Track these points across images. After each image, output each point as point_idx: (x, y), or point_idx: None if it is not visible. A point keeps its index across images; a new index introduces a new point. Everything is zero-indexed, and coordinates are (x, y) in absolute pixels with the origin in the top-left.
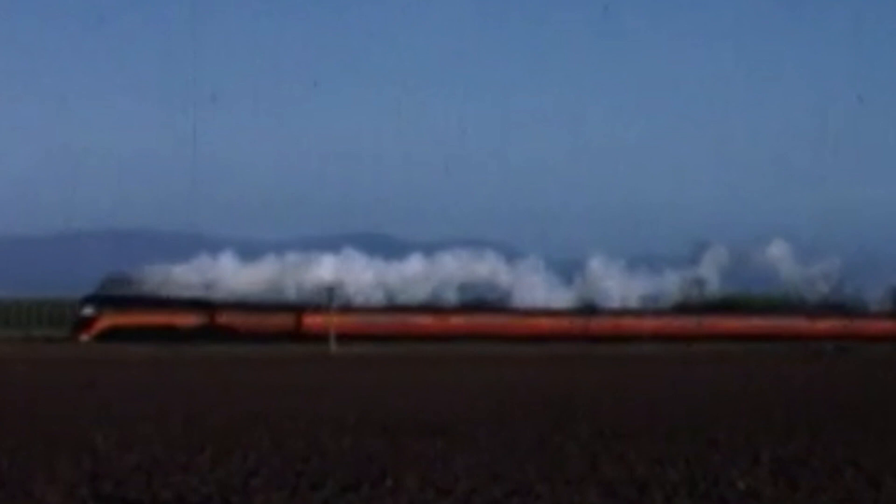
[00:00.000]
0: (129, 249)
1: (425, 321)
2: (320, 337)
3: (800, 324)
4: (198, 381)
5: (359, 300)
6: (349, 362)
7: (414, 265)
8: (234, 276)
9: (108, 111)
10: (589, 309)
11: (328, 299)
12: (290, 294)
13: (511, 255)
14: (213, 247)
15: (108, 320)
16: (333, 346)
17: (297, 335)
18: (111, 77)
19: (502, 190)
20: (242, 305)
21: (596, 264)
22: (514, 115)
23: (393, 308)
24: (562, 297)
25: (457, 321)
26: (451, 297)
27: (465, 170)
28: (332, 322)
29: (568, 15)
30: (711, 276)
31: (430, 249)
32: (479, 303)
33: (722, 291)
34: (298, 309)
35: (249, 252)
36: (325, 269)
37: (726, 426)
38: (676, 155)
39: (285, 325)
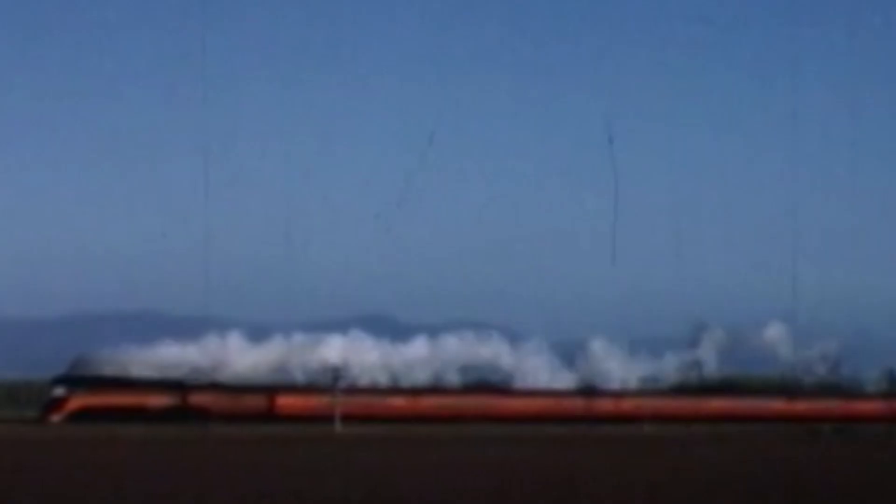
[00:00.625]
0: (136, 331)
1: (397, 402)
2: (293, 418)
3: (775, 405)
4: (204, 461)
5: (364, 382)
6: (354, 442)
7: (418, 347)
8: (241, 357)
9: (116, 192)
10: (589, 390)
11: (333, 380)
12: (298, 375)
13: (514, 337)
14: (222, 328)
15: (78, 401)
16: (338, 427)
17: (271, 416)
18: (119, 154)
19: (504, 273)
20: (215, 386)
21: (597, 346)
22: (515, 202)
23: (365, 389)
24: (563, 379)
25: (428, 402)
26: (453, 378)
27: (469, 254)
28: (338, 404)
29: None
30: (710, 357)
31: (434, 332)
32: (482, 385)
33: (720, 373)
34: (271, 390)
35: (257, 334)
36: (332, 350)
37: None
38: (675, 237)
39: (258, 406)
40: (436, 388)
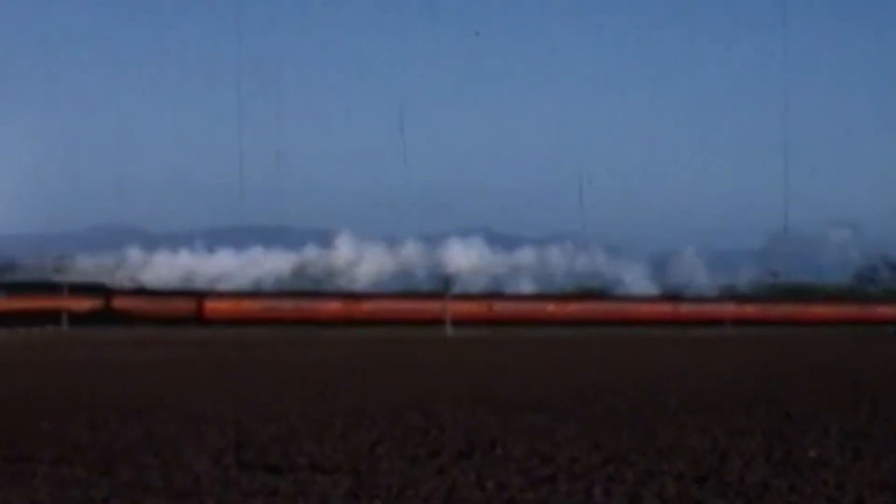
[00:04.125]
0: (268, 242)
1: (333, 306)
2: (222, 322)
3: (841, 310)
4: (326, 361)
5: (475, 288)
6: (463, 344)
7: (523, 256)
8: (360, 262)
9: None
10: (675, 296)
11: (445, 287)
12: (417, 280)
13: (610, 248)
14: (351, 238)
15: None
16: (449, 329)
17: (200, 320)
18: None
19: (605, 188)
20: (141, 291)
21: (684, 257)
22: (609, 126)
23: (299, 293)
24: (652, 287)
25: (367, 307)
26: (557, 286)
27: (572, 170)
28: (448, 309)
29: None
30: (782, 266)
31: (537, 243)
32: (584, 292)
33: (793, 280)
34: (200, 294)
35: (367, 242)
36: (448, 257)
37: (799, 401)
38: (747, 150)
39: (186, 311)
40: (369, 294)
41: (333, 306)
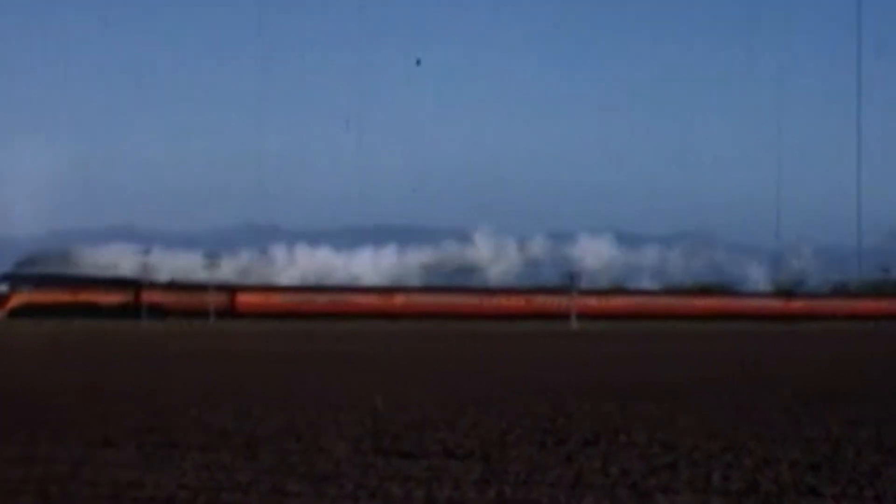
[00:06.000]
0: (404, 239)
1: (368, 300)
2: (253, 315)
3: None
4: (456, 353)
5: (597, 284)
6: (588, 337)
7: (647, 254)
8: (497, 258)
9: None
10: (787, 292)
11: (571, 282)
12: (547, 275)
13: (731, 246)
14: (467, 234)
15: (20, 298)
16: (574, 323)
17: (232, 314)
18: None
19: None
20: (171, 284)
21: (799, 255)
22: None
23: (330, 287)
24: (767, 284)
25: (399, 300)
26: (683, 281)
27: (695, 169)
28: (574, 303)
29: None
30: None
31: (662, 241)
32: (706, 287)
33: None
34: (232, 288)
35: (504, 237)
36: (579, 253)
37: None
38: (866, 147)
39: (218, 304)
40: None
41: (368, 300)
